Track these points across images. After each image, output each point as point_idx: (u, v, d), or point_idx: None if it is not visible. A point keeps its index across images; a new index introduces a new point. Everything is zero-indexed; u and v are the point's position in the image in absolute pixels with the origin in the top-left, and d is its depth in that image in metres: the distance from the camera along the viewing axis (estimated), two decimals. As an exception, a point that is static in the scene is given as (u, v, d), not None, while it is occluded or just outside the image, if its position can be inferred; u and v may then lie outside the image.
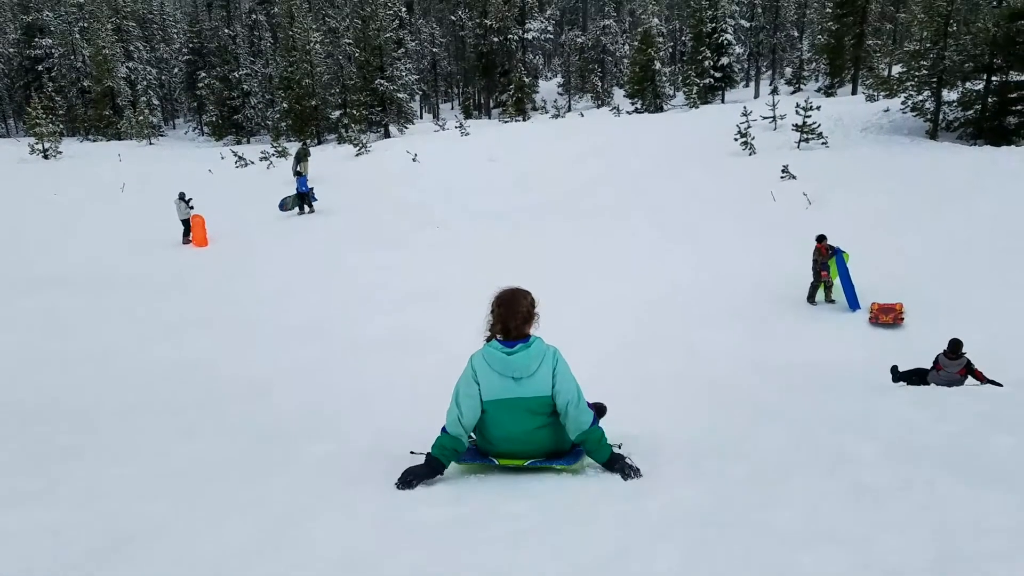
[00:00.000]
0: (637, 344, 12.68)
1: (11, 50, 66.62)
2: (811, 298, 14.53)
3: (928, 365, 10.22)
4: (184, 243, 22.63)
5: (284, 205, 25.75)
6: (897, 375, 10.26)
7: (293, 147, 44.28)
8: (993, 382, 9.56)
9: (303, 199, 25.75)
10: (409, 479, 3.61)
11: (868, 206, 19.26)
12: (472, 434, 3.85)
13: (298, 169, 29.60)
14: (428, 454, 3.72)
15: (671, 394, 9.08)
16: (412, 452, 4.01)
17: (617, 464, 3.66)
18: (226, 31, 57.24)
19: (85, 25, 62.41)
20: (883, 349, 12.01)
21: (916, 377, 10.11)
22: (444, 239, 21.14)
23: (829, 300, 14.54)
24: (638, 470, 3.61)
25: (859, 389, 9.74)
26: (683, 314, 14.38)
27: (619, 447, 3.99)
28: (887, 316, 13.19)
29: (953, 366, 9.83)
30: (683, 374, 11.07)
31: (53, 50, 63.39)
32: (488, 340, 3.75)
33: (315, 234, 23.25)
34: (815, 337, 13.04)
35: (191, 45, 63.40)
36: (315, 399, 9.29)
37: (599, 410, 4.19)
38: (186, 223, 22.76)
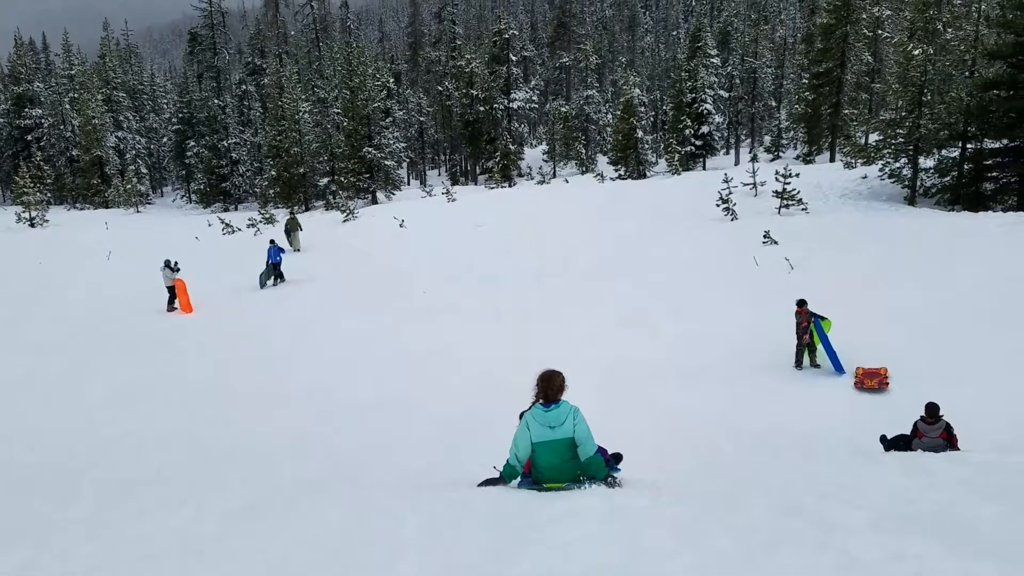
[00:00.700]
0: (619, 407, 12.62)
1: (1, 121, 67.25)
2: (798, 363, 14.55)
3: (898, 431, 10.19)
4: (169, 310, 22.49)
5: (262, 282, 25.01)
6: (887, 444, 10.20)
7: (281, 214, 44.56)
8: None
9: (275, 270, 25.21)
10: (487, 482, 5.85)
11: (850, 271, 19.47)
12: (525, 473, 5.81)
13: (290, 243, 29.85)
14: (500, 474, 5.78)
15: (652, 460, 8.99)
16: (494, 467, 5.89)
17: (607, 480, 5.60)
18: (216, 101, 58.08)
19: (75, 96, 63.23)
20: (869, 414, 11.99)
21: (902, 443, 10.05)
22: (430, 304, 21.14)
23: (814, 364, 14.55)
24: (617, 480, 5.80)
25: (846, 455, 9.70)
26: (666, 377, 14.38)
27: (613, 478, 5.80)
28: (872, 381, 13.19)
29: (933, 431, 9.76)
30: (665, 439, 11.01)
31: (43, 120, 64.02)
32: (534, 403, 5.67)
33: (301, 299, 23.20)
34: (800, 402, 13.02)
35: (181, 115, 64.22)
36: (311, 464, 9.16)
37: (616, 458, 6.72)
38: (171, 290, 22.66)
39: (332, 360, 16.81)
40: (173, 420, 12.99)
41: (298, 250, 30.23)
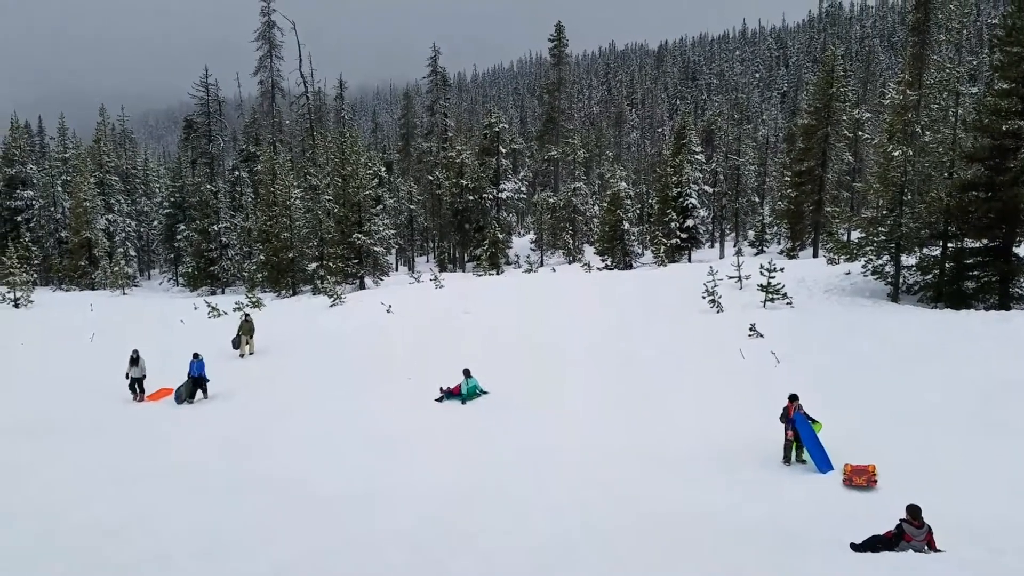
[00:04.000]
0: (600, 501, 12.48)
1: (-9, 201, 67.60)
2: (786, 458, 14.36)
3: (887, 529, 10.02)
4: (136, 400, 22.29)
5: (179, 397, 22.00)
6: (856, 548, 10.05)
7: (268, 297, 44.50)
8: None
9: (197, 384, 22.13)
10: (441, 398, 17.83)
11: (836, 366, 19.53)
12: None
13: (242, 344, 27.30)
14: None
15: (632, 559, 8.76)
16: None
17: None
18: (209, 186, 58.80)
19: (68, 178, 63.89)
20: (857, 512, 11.81)
21: (881, 544, 9.87)
22: (415, 389, 20.98)
23: (800, 460, 14.35)
24: None
25: (839, 555, 9.49)
26: (648, 471, 14.18)
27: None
28: (860, 478, 13.01)
29: (920, 534, 9.65)
30: (644, 535, 10.82)
31: (34, 201, 64.41)
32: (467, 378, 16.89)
33: (283, 384, 22.98)
34: (787, 498, 12.80)
35: (173, 199, 64.86)
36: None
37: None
38: (138, 381, 22.39)
39: (310, 445, 16.54)
40: (132, 506, 12.68)
41: (246, 355, 27.45)
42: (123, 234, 65.66)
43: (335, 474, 14.60)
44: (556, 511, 12.28)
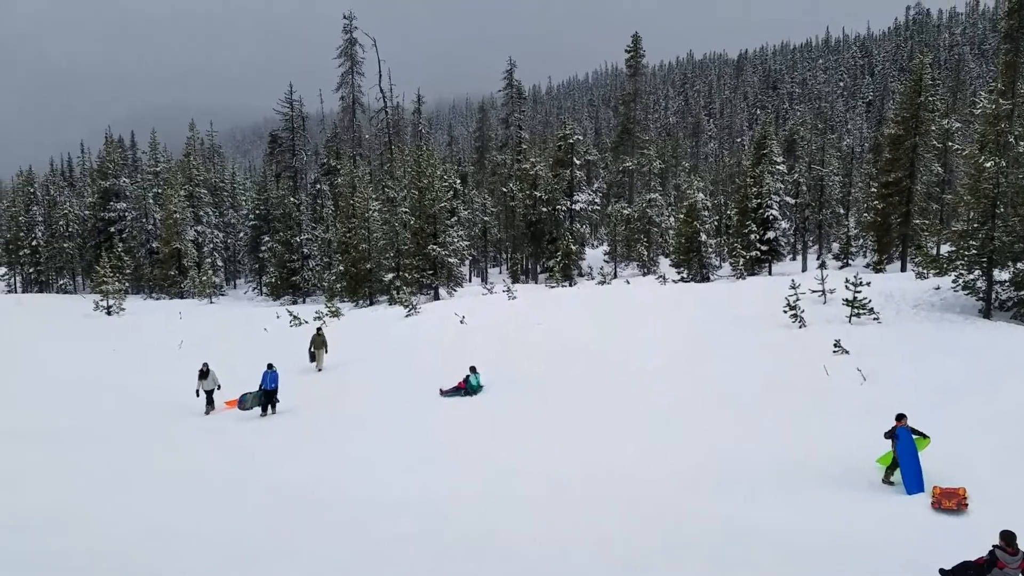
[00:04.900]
0: (681, 524, 12.13)
1: (87, 212, 71.35)
2: (886, 477, 13.69)
3: (979, 555, 9.46)
4: (208, 413, 22.67)
5: (243, 403, 22.06)
6: (946, 574, 9.52)
7: (346, 307, 45.45)
8: None
9: (269, 398, 22.09)
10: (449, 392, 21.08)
11: (925, 384, 18.56)
12: None
13: (312, 360, 27.69)
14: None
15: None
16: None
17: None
18: (292, 199, 60.62)
19: (159, 191, 66.85)
20: (947, 536, 11.18)
21: (972, 571, 9.32)
22: (483, 401, 21.04)
23: (889, 481, 13.63)
24: None
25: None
26: (722, 489, 13.72)
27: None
28: (950, 501, 12.32)
29: (1014, 561, 9.07)
30: (715, 552, 10.52)
31: (126, 213, 67.68)
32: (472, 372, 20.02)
33: (349, 400, 23.16)
34: (872, 520, 12.18)
35: (258, 211, 67.11)
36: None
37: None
38: (209, 394, 22.80)
39: (385, 458, 16.64)
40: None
41: (320, 368, 27.83)
42: (211, 245, 68.24)
43: (388, 494, 14.66)
44: (633, 532, 12.03)
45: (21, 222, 69.75)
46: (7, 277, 70.83)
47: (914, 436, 13.50)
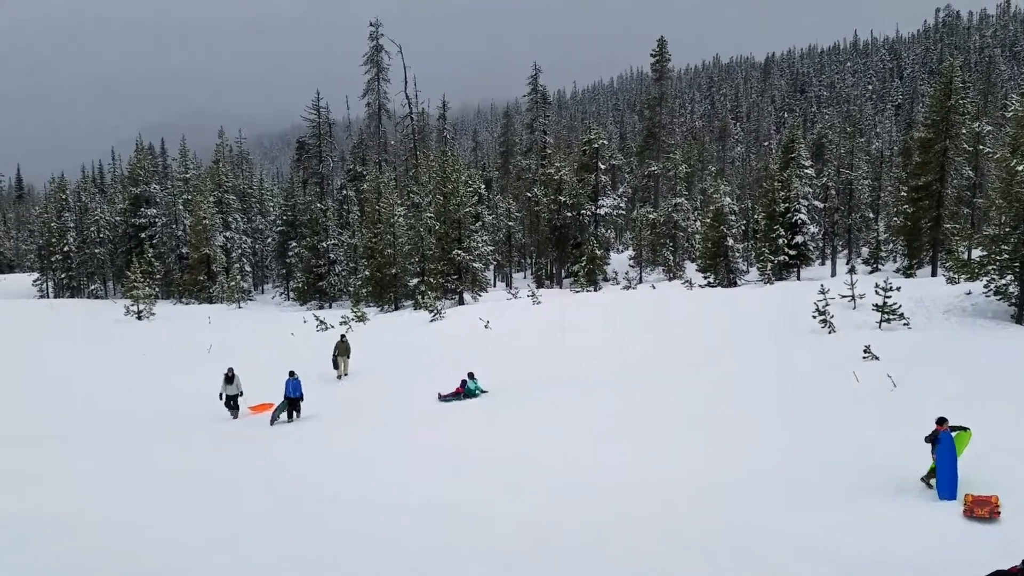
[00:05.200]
0: (706, 533, 12.00)
1: (118, 219, 72.45)
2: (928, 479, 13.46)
3: (1011, 564, 9.21)
4: (233, 418, 22.75)
5: (274, 419, 22.16)
6: None
7: (371, 312, 45.67)
8: None
9: (293, 405, 22.19)
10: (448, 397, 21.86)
11: (957, 391, 18.22)
12: None
13: (335, 367, 27.96)
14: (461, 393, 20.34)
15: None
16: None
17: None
18: (318, 205, 61.10)
19: (188, 197, 67.67)
20: (978, 545, 10.95)
21: None
22: (503, 404, 21.02)
23: (929, 484, 13.38)
24: None
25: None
26: (754, 494, 13.55)
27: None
28: (982, 509, 12.07)
29: None
30: (741, 561, 10.36)
31: (157, 219, 68.57)
32: (470, 376, 21.91)
33: (371, 408, 23.21)
34: (902, 528, 11.95)
35: (285, 217, 67.67)
36: None
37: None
38: (233, 399, 22.76)
39: (405, 464, 16.66)
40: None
41: (342, 376, 27.93)
42: (239, 250, 68.93)
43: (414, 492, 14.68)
44: (661, 542, 11.93)
45: (53, 228, 70.94)
46: (39, 282, 72.09)
47: (954, 433, 13.26)
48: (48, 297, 68.99)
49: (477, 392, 23.10)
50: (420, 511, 13.46)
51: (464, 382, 23.39)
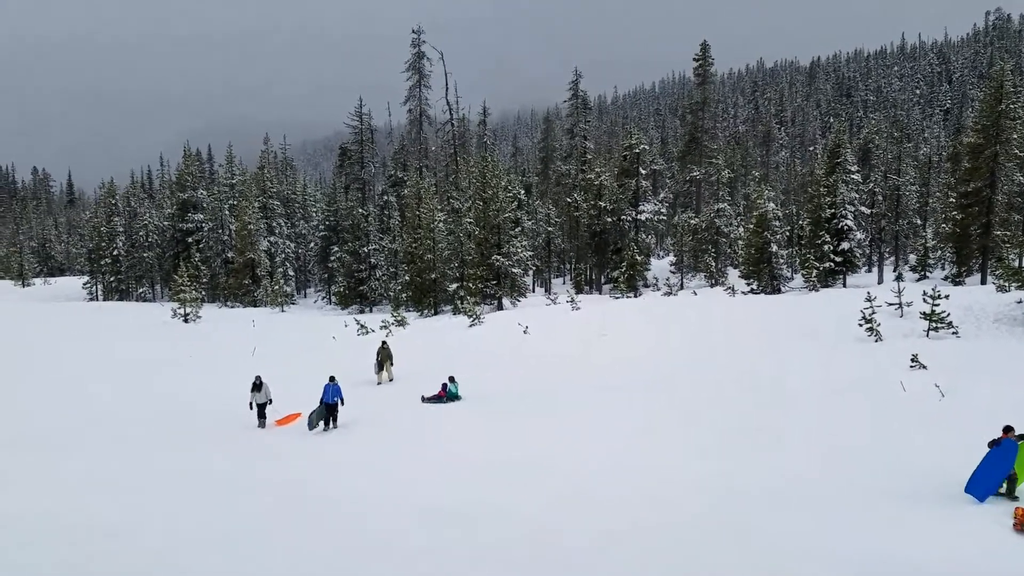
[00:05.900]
0: (740, 538, 11.78)
1: (166, 223, 74.21)
2: (1009, 492, 13.08)
3: None
4: (260, 426, 21.70)
5: (310, 423, 21.22)
6: None
7: (411, 316, 46.02)
8: None
9: (330, 411, 21.30)
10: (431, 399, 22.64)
11: (1008, 401, 17.67)
12: None
13: (376, 373, 27.36)
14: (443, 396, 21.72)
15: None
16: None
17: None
18: (360, 210, 61.84)
19: (234, 203, 69.02)
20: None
21: None
22: (547, 410, 20.88)
23: (1000, 493, 12.99)
24: None
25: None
26: (798, 503, 13.25)
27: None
28: (1034, 524, 11.69)
29: None
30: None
31: (203, 224, 70.06)
32: (451, 380, 23.34)
33: (411, 415, 23.00)
34: (951, 542, 11.57)
35: (327, 222, 68.64)
36: None
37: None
38: (262, 407, 21.86)
39: (442, 472, 16.67)
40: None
41: (388, 380, 27.57)
42: (283, 255, 70.07)
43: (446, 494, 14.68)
44: (707, 522, 11.77)
45: (103, 232, 72.97)
46: (89, 285, 74.12)
47: (1021, 442, 12.91)
48: (97, 300, 70.91)
49: (458, 396, 23.61)
50: (426, 513, 13.42)
51: (445, 385, 23.88)
